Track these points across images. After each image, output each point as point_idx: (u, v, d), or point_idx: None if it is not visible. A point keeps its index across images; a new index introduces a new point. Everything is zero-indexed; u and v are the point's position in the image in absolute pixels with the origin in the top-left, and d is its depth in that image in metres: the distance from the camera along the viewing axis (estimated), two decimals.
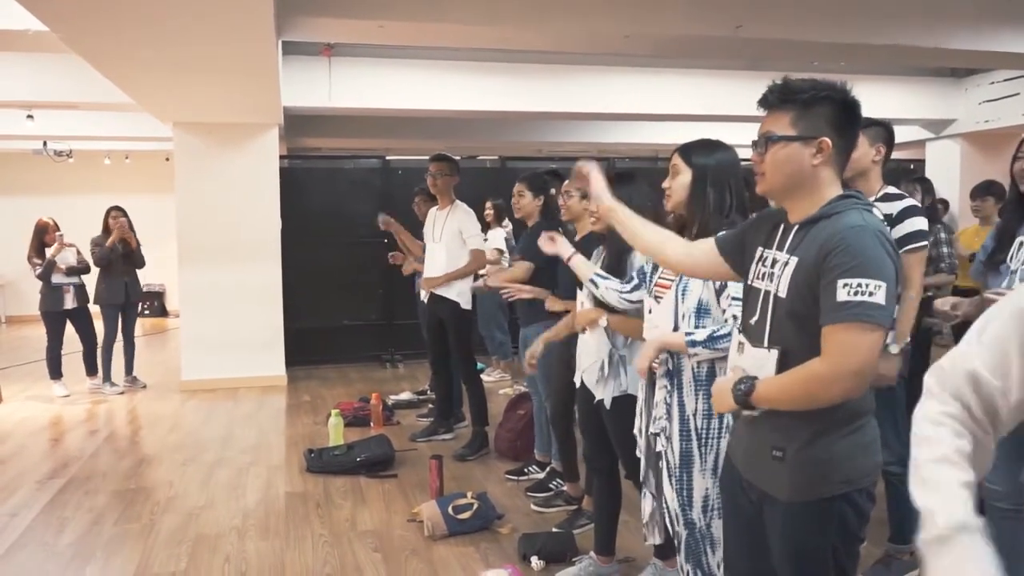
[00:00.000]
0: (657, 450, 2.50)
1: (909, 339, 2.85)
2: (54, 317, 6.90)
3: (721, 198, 2.36)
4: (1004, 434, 1.16)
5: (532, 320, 4.13)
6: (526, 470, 4.58)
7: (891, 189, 3.00)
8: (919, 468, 1.13)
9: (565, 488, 4.14)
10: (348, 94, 7.25)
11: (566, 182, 3.91)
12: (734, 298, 2.24)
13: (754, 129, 1.81)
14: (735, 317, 2.20)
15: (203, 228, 7.21)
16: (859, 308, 1.53)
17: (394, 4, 4.65)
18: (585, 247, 3.32)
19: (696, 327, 2.35)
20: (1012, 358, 1.11)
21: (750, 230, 1.90)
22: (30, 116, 8.51)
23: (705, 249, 1.98)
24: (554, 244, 3.08)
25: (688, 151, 2.44)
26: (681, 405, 2.40)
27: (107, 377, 7.05)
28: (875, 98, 8.37)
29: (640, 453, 2.64)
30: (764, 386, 1.68)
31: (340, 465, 4.69)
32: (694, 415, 2.38)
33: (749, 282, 1.84)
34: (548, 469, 4.39)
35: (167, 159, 10.91)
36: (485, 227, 6.72)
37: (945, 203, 8.20)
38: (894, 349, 2.74)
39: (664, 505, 2.50)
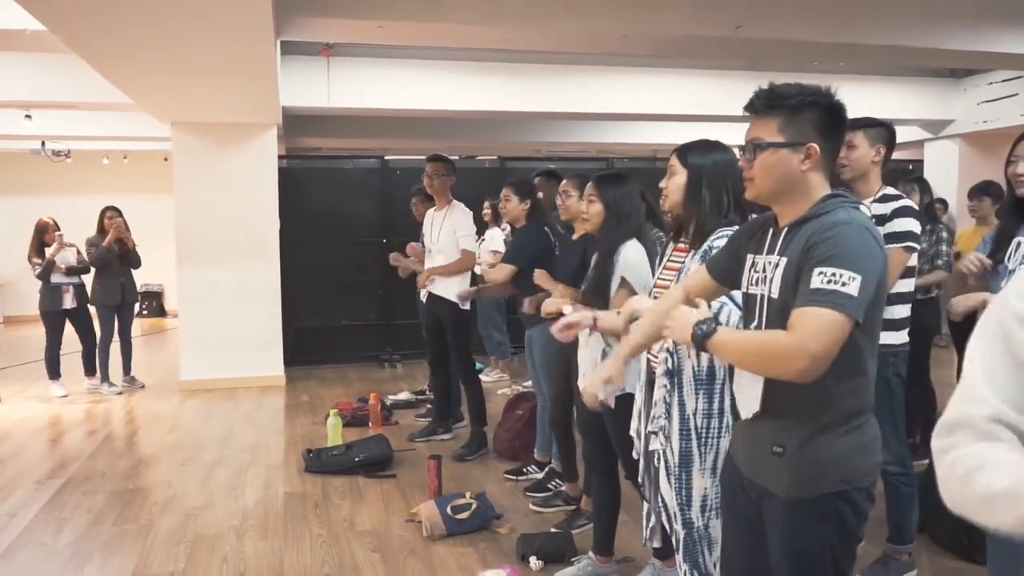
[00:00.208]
0: (651, 448, 2.50)
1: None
2: (53, 317, 6.89)
3: (717, 198, 2.37)
4: None
5: (536, 320, 4.12)
6: (525, 470, 4.58)
7: (889, 190, 3.00)
8: (1005, 496, 0.89)
9: (564, 488, 4.14)
10: (347, 94, 7.25)
11: (564, 182, 3.91)
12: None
13: None
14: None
15: (202, 228, 7.21)
16: (831, 296, 1.55)
17: (393, 4, 4.65)
18: (582, 246, 3.32)
19: None
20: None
21: (739, 242, 1.91)
22: (28, 116, 8.50)
23: (701, 281, 1.99)
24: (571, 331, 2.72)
25: (684, 152, 2.45)
26: (681, 404, 2.40)
27: (105, 377, 7.04)
28: (874, 98, 8.38)
29: (637, 455, 2.64)
30: (725, 336, 1.69)
31: (338, 465, 4.69)
32: (694, 414, 2.38)
33: (745, 289, 1.85)
34: (547, 469, 4.39)
35: (165, 159, 10.91)
36: (483, 227, 6.72)
37: (945, 203, 8.20)
38: None
39: (661, 504, 2.50)
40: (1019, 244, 2.48)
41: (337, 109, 7.55)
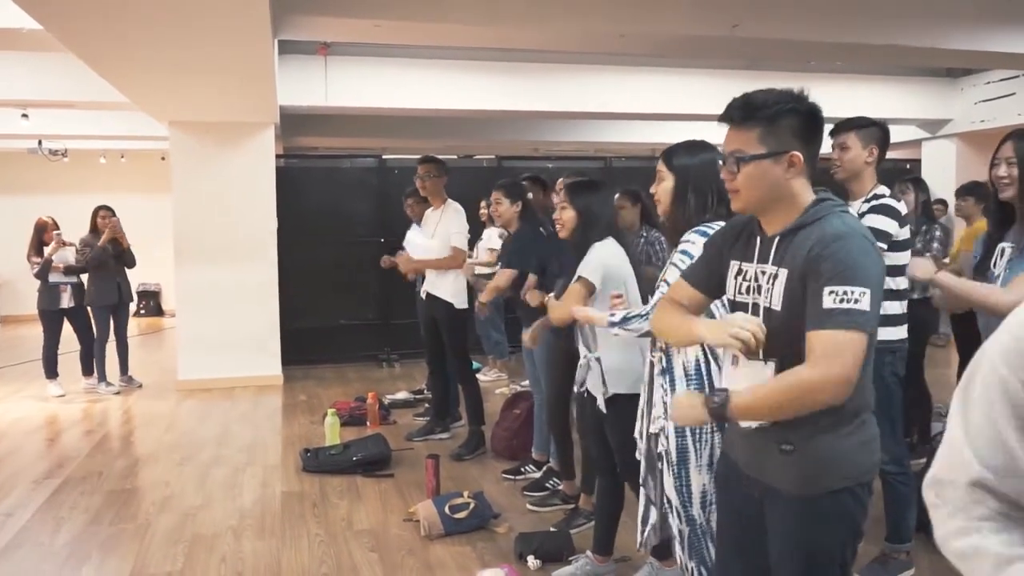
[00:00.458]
0: (659, 451, 2.51)
1: None
2: (51, 316, 6.89)
3: (702, 200, 2.40)
4: None
5: (534, 320, 4.13)
6: (523, 469, 4.58)
7: (880, 189, 3.00)
8: None
9: (561, 487, 4.14)
10: (344, 93, 7.25)
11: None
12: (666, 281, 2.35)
13: None
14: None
15: (199, 227, 7.20)
16: (845, 315, 1.55)
17: (390, 3, 4.65)
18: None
19: None
20: (1008, 438, 0.95)
21: (718, 248, 1.90)
22: (25, 115, 8.48)
23: (686, 294, 1.96)
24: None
25: (670, 156, 2.48)
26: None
27: (102, 377, 7.03)
28: (871, 97, 8.40)
29: (640, 455, 2.64)
30: (744, 399, 1.66)
31: (336, 464, 4.69)
32: None
33: (732, 297, 1.84)
34: (545, 468, 4.39)
35: (163, 158, 10.90)
36: (480, 227, 6.71)
37: (945, 203, 8.21)
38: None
39: (666, 504, 2.51)
40: (1003, 250, 2.48)
41: (335, 108, 7.55)
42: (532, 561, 3.36)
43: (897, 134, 9.61)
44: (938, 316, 5.02)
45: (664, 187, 2.46)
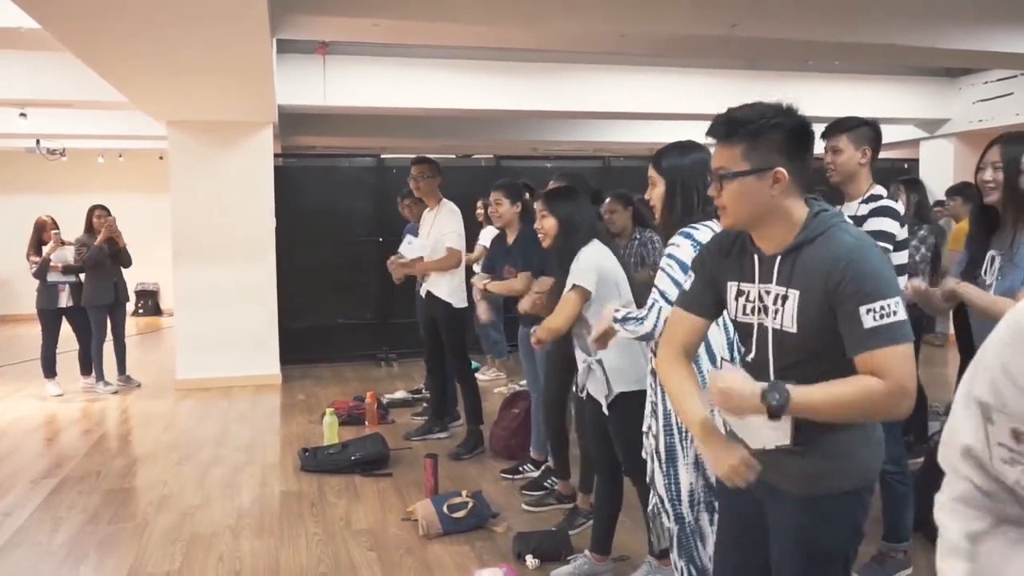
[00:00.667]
0: (648, 450, 2.52)
1: None
2: (49, 315, 6.88)
3: (689, 202, 2.40)
4: None
5: (532, 320, 4.12)
6: (521, 469, 4.58)
7: (877, 189, 3.01)
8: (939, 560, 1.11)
9: (557, 487, 4.14)
10: (343, 92, 7.25)
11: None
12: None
13: None
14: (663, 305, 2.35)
15: (197, 227, 7.19)
16: (892, 330, 1.54)
17: (389, 3, 4.65)
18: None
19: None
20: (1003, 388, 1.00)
21: (710, 268, 1.84)
22: (23, 114, 8.47)
23: (685, 326, 1.88)
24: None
25: (658, 159, 2.49)
26: (664, 400, 2.42)
27: (100, 377, 7.03)
28: (870, 97, 8.40)
29: (646, 454, 2.64)
30: (805, 396, 1.57)
31: (335, 464, 4.69)
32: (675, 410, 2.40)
33: (735, 317, 1.81)
34: (543, 468, 4.39)
35: (161, 158, 10.91)
36: (477, 226, 6.71)
37: (943, 205, 8.21)
38: None
39: (657, 501, 2.52)
40: (993, 258, 2.47)
41: (333, 108, 7.55)
42: (530, 560, 3.36)
43: (895, 134, 9.64)
44: (933, 315, 5.03)
45: (657, 193, 2.47)
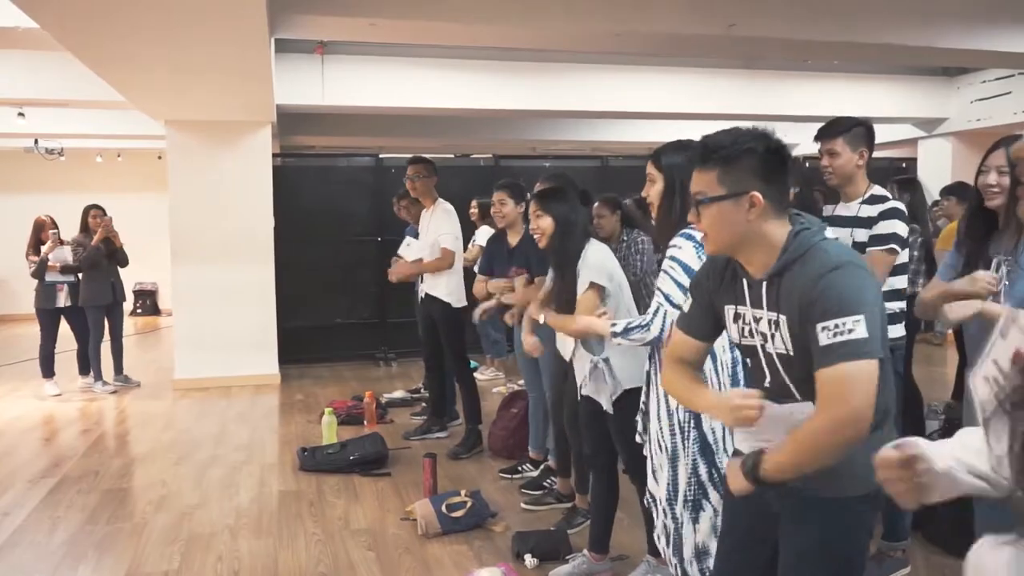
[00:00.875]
0: (643, 450, 2.53)
1: None
2: (47, 315, 6.88)
3: (688, 203, 2.38)
4: None
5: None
6: (519, 468, 4.58)
7: (877, 189, 3.02)
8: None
9: (556, 486, 4.14)
10: (341, 92, 7.24)
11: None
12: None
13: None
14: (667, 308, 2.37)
15: (196, 226, 7.19)
16: (843, 348, 1.53)
17: (387, 2, 4.65)
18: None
19: None
20: None
21: (704, 292, 1.86)
22: (21, 114, 8.46)
23: (687, 347, 1.91)
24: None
25: (658, 156, 2.49)
26: (667, 400, 2.42)
27: (98, 376, 7.02)
28: (868, 96, 8.41)
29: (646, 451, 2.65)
30: (773, 458, 1.64)
31: (333, 463, 4.69)
32: (677, 409, 2.41)
33: (737, 341, 1.82)
34: (542, 467, 4.39)
35: (159, 157, 10.89)
36: (471, 226, 6.70)
37: (938, 204, 8.21)
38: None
39: (649, 499, 2.53)
40: (998, 263, 2.42)
41: (331, 107, 7.54)
42: (529, 560, 3.36)
43: (893, 133, 9.64)
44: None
45: (655, 190, 2.47)
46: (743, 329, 1.77)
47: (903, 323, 3.06)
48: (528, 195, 4.63)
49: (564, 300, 3.05)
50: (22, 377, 7.68)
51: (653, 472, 2.55)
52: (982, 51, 5.85)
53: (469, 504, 3.79)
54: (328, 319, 8.40)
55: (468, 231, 6.33)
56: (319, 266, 8.30)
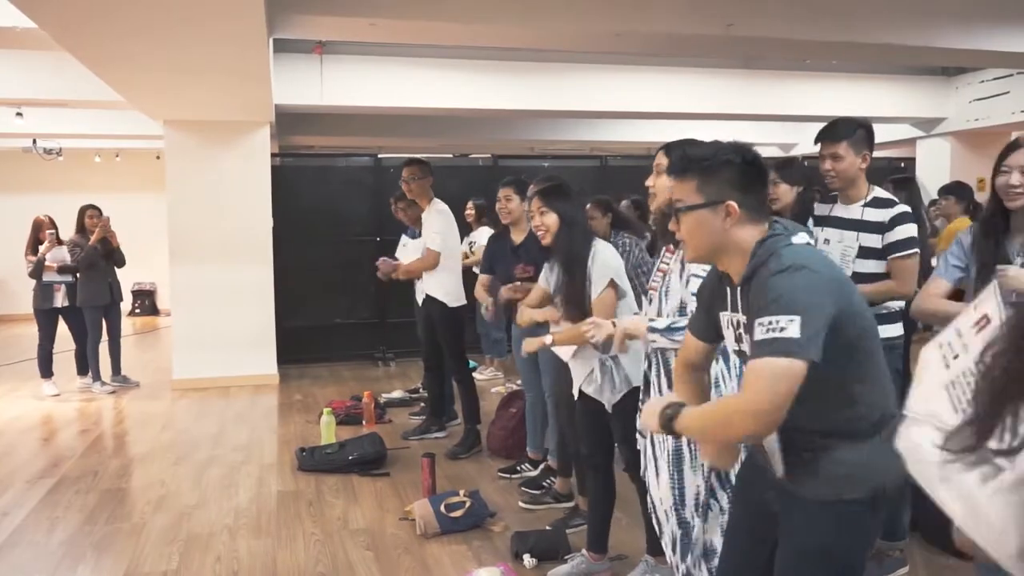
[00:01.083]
0: (653, 452, 2.52)
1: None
2: (45, 315, 6.87)
3: None
4: None
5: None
6: (518, 468, 4.58)
7: (878, 191, 3.01)
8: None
9: (555, 485, 4.14)
10: (340, 92, 7.24)
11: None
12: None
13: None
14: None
15: (194, 226, 7.18)
16: (771, 344, 1.55)
17: (386, 2, 4.65)
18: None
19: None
20: None
21: (706, 297, 1.92)
22: (19, 114, 8.46)
23: (694, 347, 1.97)
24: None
25: (670, 148, 2.46)
26: None
27: (96, 376, 7.01)
28: (866, 96, 8.41)
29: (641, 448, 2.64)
30: (687, 415, 1.72)
31: (332, 463, 4.68)
32: None
33: (734, 348, 1.86)
34: (542, 467, 4.39)
35: (158, 157, 10.87)
36: (467, 228, 6.69)
37: (936, 203, 8.22)
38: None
39: (651, 505, 2.52)
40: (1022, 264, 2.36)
41: (330, 107, 7.54)
42: (528, 560, 3.36)
43: (892, 132, 9.65)
44: None
45: (663, 181, 2.43)
46: (734, 335, 1.82)
47: (901, 322, 3.07)
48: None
49: (574, 301, 2.96)
50: (21, 377, 7.67)
51: (656, 473, 2.54)
52: (981, 51, 5.86)
53: (468, 504, 3.79)
54: (327, 319, 8.39)
55: (465, 232, 6.34)
56: (318, 266, 8.29)
